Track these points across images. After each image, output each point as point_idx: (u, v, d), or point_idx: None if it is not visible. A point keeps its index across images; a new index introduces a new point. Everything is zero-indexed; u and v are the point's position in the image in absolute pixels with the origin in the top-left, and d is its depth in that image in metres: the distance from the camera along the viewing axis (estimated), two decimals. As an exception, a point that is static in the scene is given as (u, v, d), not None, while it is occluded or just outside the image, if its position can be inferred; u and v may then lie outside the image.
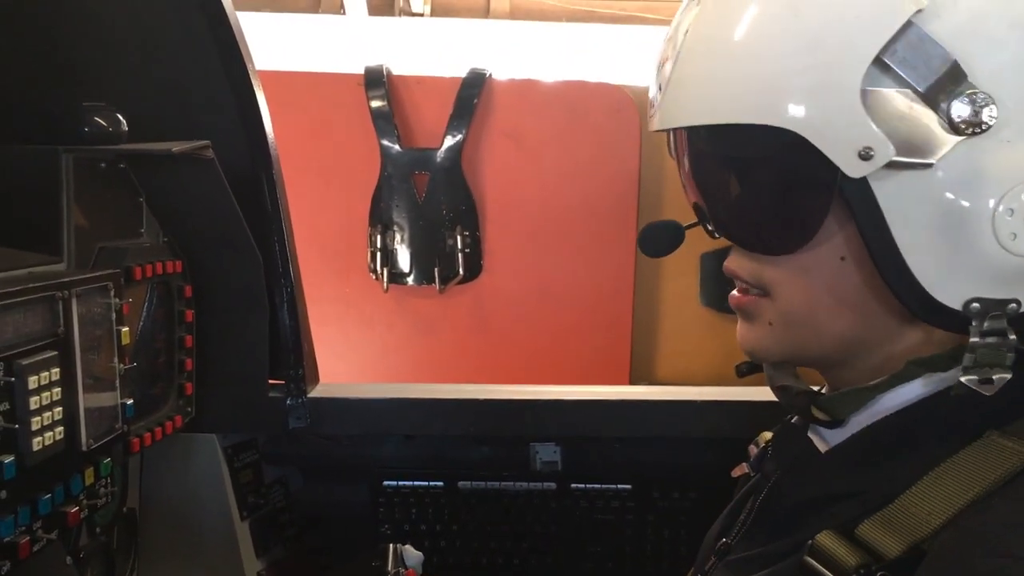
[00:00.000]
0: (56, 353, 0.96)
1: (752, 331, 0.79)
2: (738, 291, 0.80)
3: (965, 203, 0.65)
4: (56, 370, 0.96)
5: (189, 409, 1.32)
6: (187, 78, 1.31)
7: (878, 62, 0.65)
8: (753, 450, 0.94)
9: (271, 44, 2.74)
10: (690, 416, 1.43)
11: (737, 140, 0.71)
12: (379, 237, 2.82)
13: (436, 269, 2.83)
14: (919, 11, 0.64)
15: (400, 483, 1.54)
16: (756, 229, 0.75)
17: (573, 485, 1.54)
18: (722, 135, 0.72)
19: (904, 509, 0.66)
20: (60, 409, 0.96)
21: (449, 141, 2.78)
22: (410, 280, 2.86)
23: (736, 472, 0.97)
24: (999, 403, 0.67)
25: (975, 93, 0.63)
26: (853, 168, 0.65)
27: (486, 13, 4.26)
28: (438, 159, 2.79)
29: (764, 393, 1.02)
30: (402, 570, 1.21)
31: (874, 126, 0.64)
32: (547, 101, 2.84)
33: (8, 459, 0.88)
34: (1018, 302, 0.66)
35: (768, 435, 0.94)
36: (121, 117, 1.15)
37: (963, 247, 0.65)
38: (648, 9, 4.69)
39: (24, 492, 0.93)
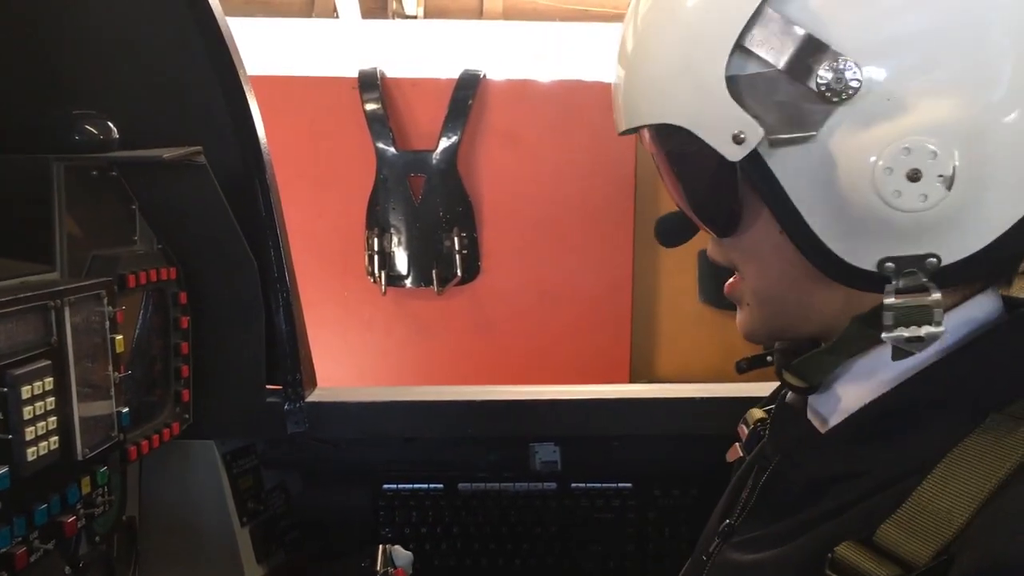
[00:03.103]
0: (49, 362, 0.96)
1: (740, 313, 0.83)
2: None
3: (848, 167, 0.66)
4: (50, 379, 0.95)
5: (186, 416, 1.32)
6: (178, 84, 1.31)
7: (740, 48, 0.67)
8: (743, 430, 0.93)
9: (265, 49, 2.74)
10: (690, 413, 1.42)
11: (657, 140, 0.78)
12: (376, 240, 2.81)
13: (434, 271, 2.83)
14: None
15: (400, 486, 1.54)
16: (702, 216, 0.80)
17: (573, 485, 1.53)
18: (652, 136, 0.78)
19: (922, 508, 0.65)
20: (54, 419, 0.96)
21: (444, 143, 2.78)
22: (408, 282, 2.86)
23: (731, 456, 0.96)
24: (998, 381, 0.67)
25: (835, 60, 0.64)
26: (730, 152, 0.68)
27: (479, 14, 4.26)
28: (434, 161, 2.79)
29: (764, 389, 1.02)
30: (391, 570, 1.21)
31: (741, 111, 0.67)
32: (542, 101, 2.84)
33: (2, 470, 0.88)
34: (937, 256, 0.66)
35: (758, 413, 0.93)
36: (112, 125, 1.15)
37: (855, 210, 0.66)
38: (642, 7, 4.68)
39: (20, 502, 0.93)
